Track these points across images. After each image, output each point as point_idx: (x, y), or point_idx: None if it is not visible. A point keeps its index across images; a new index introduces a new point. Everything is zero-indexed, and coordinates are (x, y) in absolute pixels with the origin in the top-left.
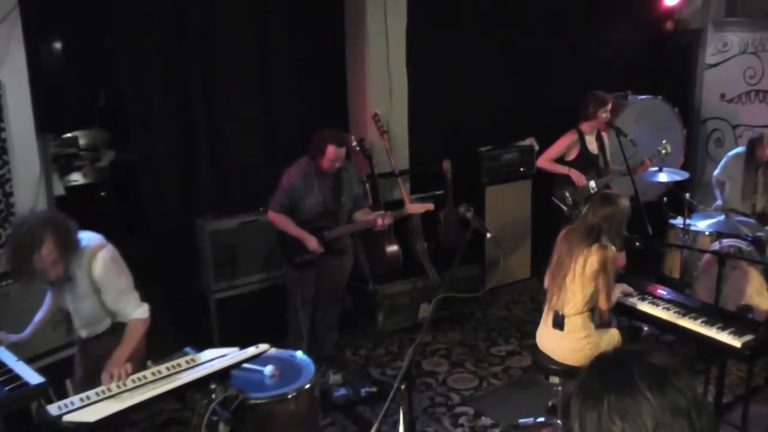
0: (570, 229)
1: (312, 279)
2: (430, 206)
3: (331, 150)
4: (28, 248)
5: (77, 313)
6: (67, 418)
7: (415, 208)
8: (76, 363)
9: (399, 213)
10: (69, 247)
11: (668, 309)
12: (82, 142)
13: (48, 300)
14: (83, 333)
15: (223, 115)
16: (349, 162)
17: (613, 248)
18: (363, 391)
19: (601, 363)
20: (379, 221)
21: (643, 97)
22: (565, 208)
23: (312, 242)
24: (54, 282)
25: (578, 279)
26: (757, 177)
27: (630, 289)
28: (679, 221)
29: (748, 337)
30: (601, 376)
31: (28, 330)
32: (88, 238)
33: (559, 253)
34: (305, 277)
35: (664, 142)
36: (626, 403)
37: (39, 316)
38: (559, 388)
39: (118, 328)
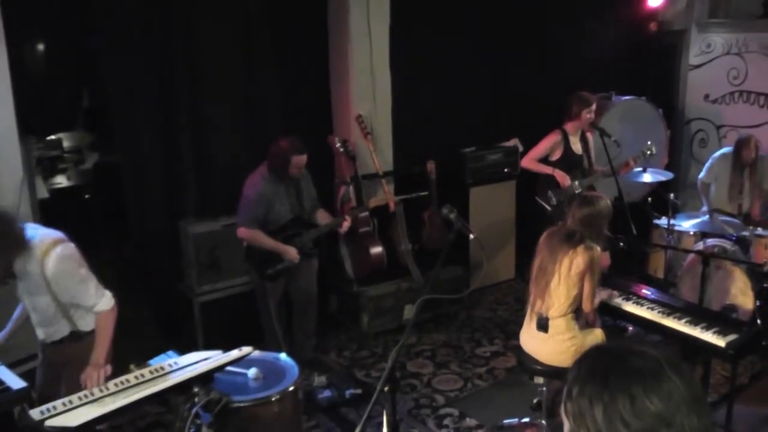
0: (551, 232)
1: (282, 286)
2: (388, 200)
3: (295, 160)
4: None
5: (34, 309)
6: (49, 422)
7: (374, 201)
8: (37, 369)
9: (360, 209)
10: (4, 250)
11: (652, 309)
12: (65, 144)
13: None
14: (40, 333)
15: (207, 117)
16: None
17: (599, 249)
18: (347, 393)
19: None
20: (344, 225)
21: (627, 97)
22: (548, 208)
23: (292, 253)
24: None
25: (564, 281)
26: (744, 178)
27: (614, 294)
28: (663, 221)
29: (732, 337)
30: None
31: (4, 333)
32: (42, 234)
33: (541, 257)
34: (276, 286)
35: (648, 143)
36: (653, 386)
37: (14, 318)
38: (544, 389)
39: (77, 336)
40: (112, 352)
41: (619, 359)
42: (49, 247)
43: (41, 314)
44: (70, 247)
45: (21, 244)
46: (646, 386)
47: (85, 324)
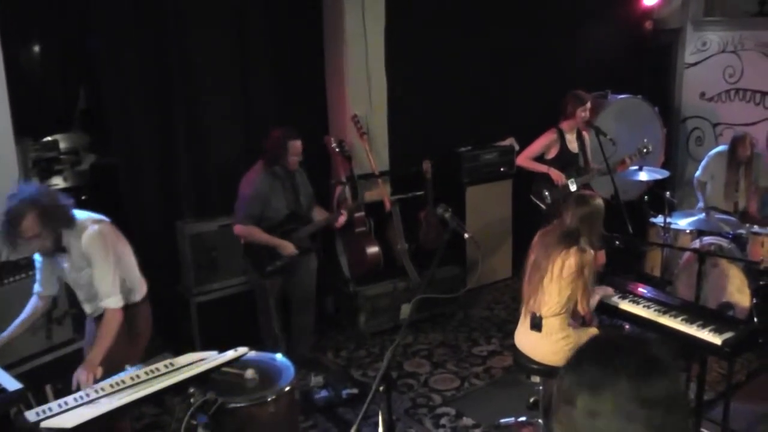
0: (546, 230)
1: (280, 284)
2: (383, 194)
3: (293, 145)
4: (11, 221)
5: (77, 284)
6: (44, 424)
7: (369, 194)
8: (85, 346)
9: (356, 204)
10: (54, 223)
11: (649, 307)
12: (62, 145)
13: (30, 304)
14: (87, 308)
15: (203, 117)
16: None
17: (592, 252)
18: (344, 392)
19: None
20: (340, 219)
21: (623, 96)
22: (543, 206)
23: (289, 247)
24: (42, 252)
25: (555, 281)
26: (739, 175)
27: (611, 291)
28: (659, 219)
29: (728, 335)
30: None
31: (6, 333)
32: (88, 215)
33: (535, 254)
34: (273, 283)
35: (645, 140)
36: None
37: (19, 320)
38: (541, 387)
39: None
40: (142, 353)
41: (598, 354)
42: (89, 223)
43: (86, 289)
44: (110, 230)
45: (68, 220)
46: (617, 383)
47: (127, 296)
